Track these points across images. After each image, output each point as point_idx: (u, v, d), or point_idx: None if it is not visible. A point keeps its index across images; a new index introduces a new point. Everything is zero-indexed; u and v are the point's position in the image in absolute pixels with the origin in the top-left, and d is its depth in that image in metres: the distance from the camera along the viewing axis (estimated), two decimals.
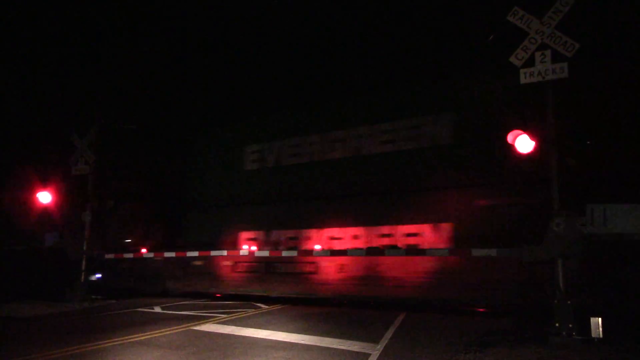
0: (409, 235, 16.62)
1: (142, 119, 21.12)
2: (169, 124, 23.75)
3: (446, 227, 15.89)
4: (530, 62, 10.51)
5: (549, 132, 10.21)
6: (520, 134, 10.72)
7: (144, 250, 19.46)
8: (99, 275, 19.96)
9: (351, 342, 9.80)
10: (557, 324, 9.44)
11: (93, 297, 17.59)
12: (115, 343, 9.84)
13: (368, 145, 18.42)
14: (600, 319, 9.09)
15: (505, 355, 8.35)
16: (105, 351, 9.17)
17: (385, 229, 17.27)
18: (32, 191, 18.19)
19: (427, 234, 16.20)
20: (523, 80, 10.53)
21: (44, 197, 17.65)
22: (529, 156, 10.70)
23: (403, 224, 16.89)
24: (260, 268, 17.82)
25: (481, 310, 14.42)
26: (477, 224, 14.88)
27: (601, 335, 9.02)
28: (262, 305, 15.92)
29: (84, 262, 17.75)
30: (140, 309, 15.34)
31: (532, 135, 10.62)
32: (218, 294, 18.92)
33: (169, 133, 23.96)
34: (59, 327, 12.38)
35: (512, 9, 10.80)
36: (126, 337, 10.36)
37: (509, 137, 10.83)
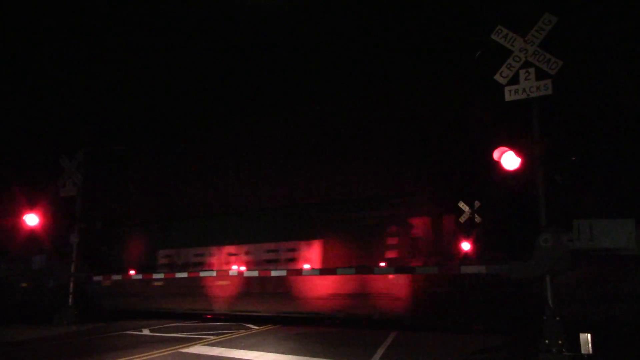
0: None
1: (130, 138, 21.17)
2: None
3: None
4: (514, 80, 10.61)
5: (535, 148, 10.27)
6: (507, 151, 10.76)
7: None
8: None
9: None
10: (546, 341, 9.39)
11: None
12: None
13: None
14: (589, 335, 9.03)
15: None
16: None
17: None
18: (20, 214, 18.00)
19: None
20: (508, 97, 10.62)
21: (31, 219, 17.46)
22: (514, 173, 10.73)
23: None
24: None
25: (473, 327, 14.36)
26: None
27: (591, 352, 8.96)
28: (252, 326, 15.76)
29: (71, 285, 17.55)
30: (128, 332, 15.13)
31: (518, 152, 10.67)
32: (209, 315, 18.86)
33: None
34: (46, 352, 12.17)
35: (496, 27, 10.92)
36: None
37: (495, 154, 10.86)
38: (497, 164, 10.90)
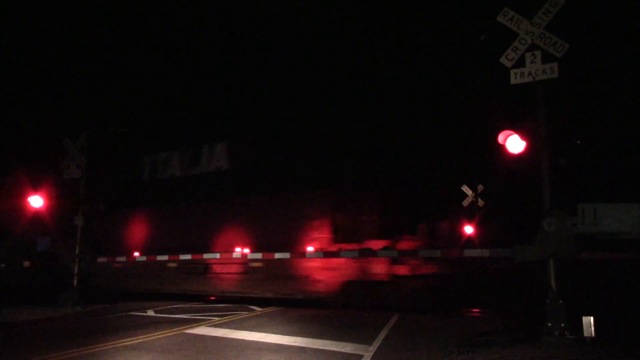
0: None
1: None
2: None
3: None
4: (520, 63, 10.53)
5: (540, 132, 10.22)
6: (511, 134, 10.74)
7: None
8: None
9: (344, 343, 9.77)
10: (549, 324, 9.43)
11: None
12: (106, 348, 9.75)
13: None
14: (592, 318, 9.08)
15: (497, 356, 8.33)
16: (96, 356, 9.09)
17: None
18: (24, 195, 18.06)
19: None
20: (514, 80, 10.54)
21: (36, 201, 17.50)
22: (519, 157, 10.72)
23: None
24: None
25: (475, 311, 14.45)
26: None
27: (593, 334, 9.01)
28: (256, 308, 15.88)
29: (76, 266, 17.66)
30: (132, 313, 15.26)
31: (523, 135, 10.64)
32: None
33: None
34: (51, 332, 12.27)
35: (502, 9, 10.80)
36: (117, 342, 10.27)
37: (500, 137, 10.83)
38: (501, 148, 10.89)
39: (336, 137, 17.67)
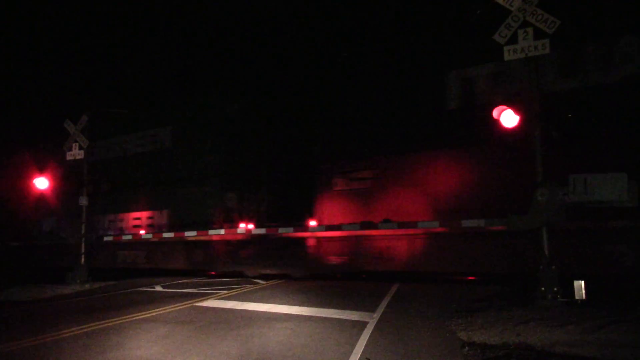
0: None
1: None
2: None
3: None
4: (513, 40, 10.88)
5: (534, 106, 10.63)
6: (505, 109, 11.15)
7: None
8: None
9: (349, 311, 10.28)
10: (542, 288, 9.99)
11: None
12: (122, 321, 10.17)
13: None
14: (583, 282, 9.65)
15: (493, 318, 8.89)
16: (114, 329, 9.48)
17: None
18: (28, 178, 18.38)
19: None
20: (507, 57, 10.90)
21: (41, 182, 17.84)
22: (513, 130, 11.15)
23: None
24: None
25: (471, 278, 15.01)
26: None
27: (584, 297, 9.59)
28: (260, 281, 16.39)
29: (82, 245, 18.09)
30: (141, 289, 15.74)
31: (517, 110, 11.07)
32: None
33: None
34: (64, 308, 12.65)
35: None
36: (132, 315, 10.72)
37: (495, 112, 11.25)
38: (496, 122, 11.32)
39: None
